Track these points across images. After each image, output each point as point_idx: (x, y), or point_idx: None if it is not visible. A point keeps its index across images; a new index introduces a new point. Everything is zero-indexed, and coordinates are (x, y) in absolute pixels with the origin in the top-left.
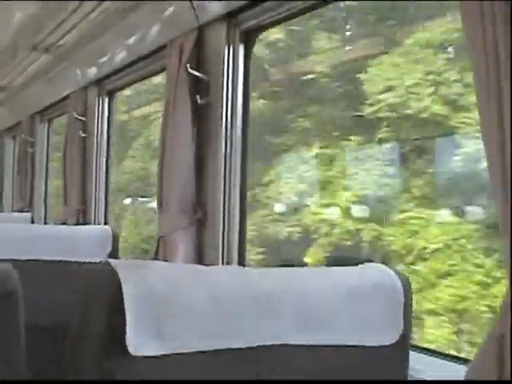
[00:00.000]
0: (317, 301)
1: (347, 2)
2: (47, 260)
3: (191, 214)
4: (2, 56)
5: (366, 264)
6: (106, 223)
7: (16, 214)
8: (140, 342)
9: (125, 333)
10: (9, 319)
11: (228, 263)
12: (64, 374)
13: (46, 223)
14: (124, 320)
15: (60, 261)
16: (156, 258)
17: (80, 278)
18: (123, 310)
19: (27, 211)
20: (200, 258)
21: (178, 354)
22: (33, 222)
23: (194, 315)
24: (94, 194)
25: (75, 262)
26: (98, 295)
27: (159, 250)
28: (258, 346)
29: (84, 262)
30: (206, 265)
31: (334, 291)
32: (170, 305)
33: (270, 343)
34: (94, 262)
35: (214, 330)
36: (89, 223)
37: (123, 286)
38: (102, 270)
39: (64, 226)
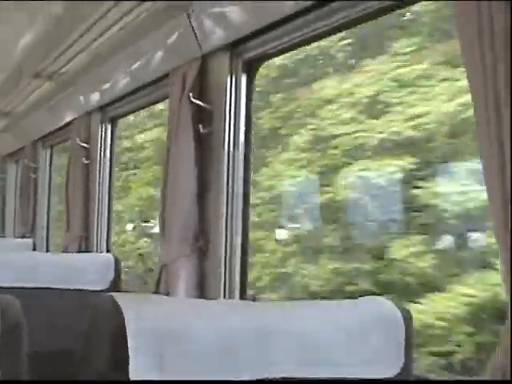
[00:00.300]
0: (317, 334)
1: None
2: (50, 288)
3: (193, 243)
4: (5, 83)
5: (366, 297)
6: (108, 250)
7: (18, 240)
8: (142, 373)
9: (127, 364)
10: (12, 349)
11: (230, 293)
12: None
13: (47, 250)
14: (126, 352)
15: (63, 289)
16: (157, 287)
17: (83, 309)
18: (126, 342)
19: (29, 237)
20: (202, 287)
21: None
22: (35, 249)
23: (195, 349)
24: (96, 220)
25: (78, 291)
26: (101, 328)
27: (161, 279)
28: (259, 380)
29: (87, 290)
30: (208, 295)
31: (334, 325)
32: (172, 339)
33: (270, 377)
34: (97, 291)
35: (214, 363)
36: (91, 250)
37: (126, 320)
38: (105, 303)
39: (66, 254)
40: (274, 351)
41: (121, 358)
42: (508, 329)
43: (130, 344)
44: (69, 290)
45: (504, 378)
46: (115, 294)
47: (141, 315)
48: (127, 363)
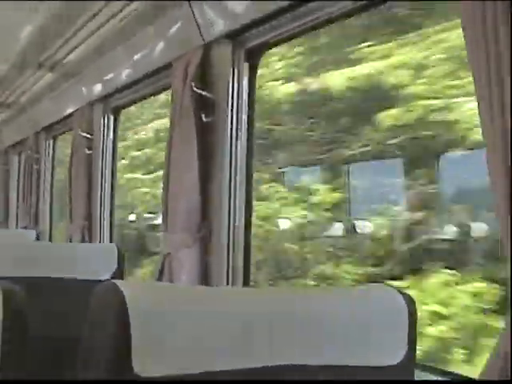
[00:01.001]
0: (322, 321)
1: None
2: (53, 277)
3: (196, 232)
4: (8, 73)
5: (370, 284)
6: (111, 240)
7: (21, 230)
8: (146, 363)
9: (131, 354)
10: (15, 337)
11: (233, 282)
12: None
13: (50, 240)
14: (130, 341)
15: (66, 278)
16: (160, 276)
17: (86, 297)
18: (129, 331)
19: (32, 228)
20: (205, 276)
21: (184, 375)
22: (38, 239)
23: (201, 337)
24: (99, 210)
25: (81, 280)
26: (104, 316)
27: (164, 268)
28: (267, 367)
29: (90, 280)
30: (211, 284)
31: (339, 312)
32: (178, 326)
33: (278, 364)
34: (100, 280)
35: (221, 351)
36: (94, 240)
37: (129, 308)
38: (108, 291)
39: (69, 244)
40: (282, 337)
41: (124, 346)
42: (508, 329)
43: (133, 332)
44: (72, 279)
45: (501, 378)
46: (118, 282)
47: (145, 302)
48: (130, 351)
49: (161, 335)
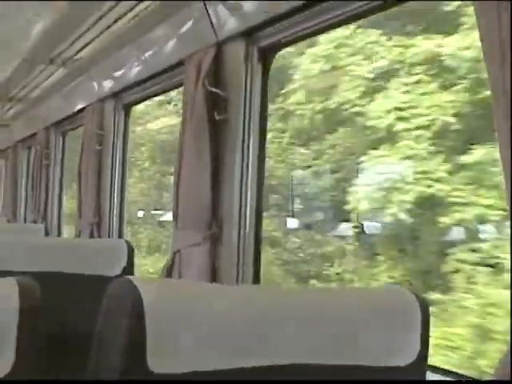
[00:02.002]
0: (335, 321)
1: None
2: (63, 273)
3: (206, 230)
4: (19, 69)
5: (385, 285)
6: (120, 236)
7: (29, 225)
8: (161, 359)
9: (146, 349)
10: (30, 331)
11: (243, 280)
12: None
13: (59, 235)
14: (145, 337)
15: (76, 274)
16: (170, 273)
17: (100, 293)
18: (144, 326)
19: (41, 223)
20: (214, 274)
21: (198, 371)
22: (46, 234)
23: (215, 333)
24: (108, 206)
25: (91, 276)
26: (120, 312)
27: (174, 265)
28: (277, 365)
29: (100, 276)
30: (221, 282)
31: (352, 312)
32: (192, 323)
33: (289, 362)
34: (110, 277)
35: (235, 348)
36: (103, 236)
37: (145, 303)
38: (123, 287)
39: (78, 239)
40: (294, 336)
41: (139, 342)
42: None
43: (148, 327)
44: (81, 274)
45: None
46: (133, 277)
47: (160, 298)
48: (145, 347)
49: (175, 331)
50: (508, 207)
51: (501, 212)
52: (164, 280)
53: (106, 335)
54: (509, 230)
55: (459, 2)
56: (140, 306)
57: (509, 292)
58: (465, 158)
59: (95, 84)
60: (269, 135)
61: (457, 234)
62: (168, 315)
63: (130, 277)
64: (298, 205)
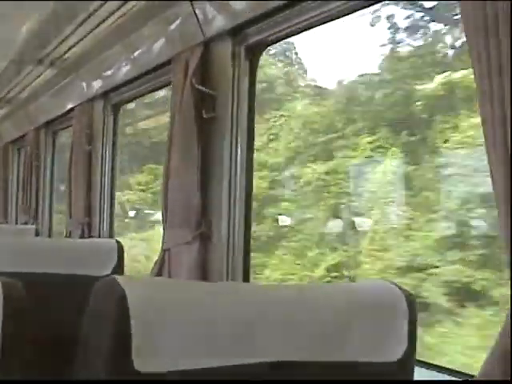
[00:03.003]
0: (322, 317)
1: None
2: (52, 273)
3: (196, 228)
4: (7, 69)
5: (370, 279)
6: (111, 236)
7: (20, 226)
8: (147, 358)
9: (131, 349)
10: (16, 333)
11: (233, 278)
12: None
13: (50, 236)
14: (130, 336)
15: (66, 274)
16: (160, 272)
17: (86, 293)
18: (129, 326)
19: (32, 224)
20: (205, 272)
21: (185, 370)
22: (37, 235)
23: (201, 332)
24: (98, 206)
25: (81, 276)
26: (105, 312)
27: (164, 264)
28: (267, 362)
29: (90, 276)
30: (211, 280)
31: (337, 307)
32: (178, 321)
33: (277, 359)
34: (100, 276)
35: (222, 346)
36: (93, 236)
37: (130, 303)
38: (108, 286)
39: (69, 239)
40: (282, 334)
41: (124, 341)
42: (508, 328)
43: (133, 327)
44: (72, 274)
45: (501, 378)
46: (118, 277)
47: (145, 297)
48: (131, 346)
49: (161, 330)
50: (496, 203)
51: None
52: (150, 279)
53: (91, 335)
54: None
55: None
56: (125, 305)
57: None
58: None
59: (84, 84)
60: None
61: None
62: (154, 314)
63: (116, 276)
64: None
